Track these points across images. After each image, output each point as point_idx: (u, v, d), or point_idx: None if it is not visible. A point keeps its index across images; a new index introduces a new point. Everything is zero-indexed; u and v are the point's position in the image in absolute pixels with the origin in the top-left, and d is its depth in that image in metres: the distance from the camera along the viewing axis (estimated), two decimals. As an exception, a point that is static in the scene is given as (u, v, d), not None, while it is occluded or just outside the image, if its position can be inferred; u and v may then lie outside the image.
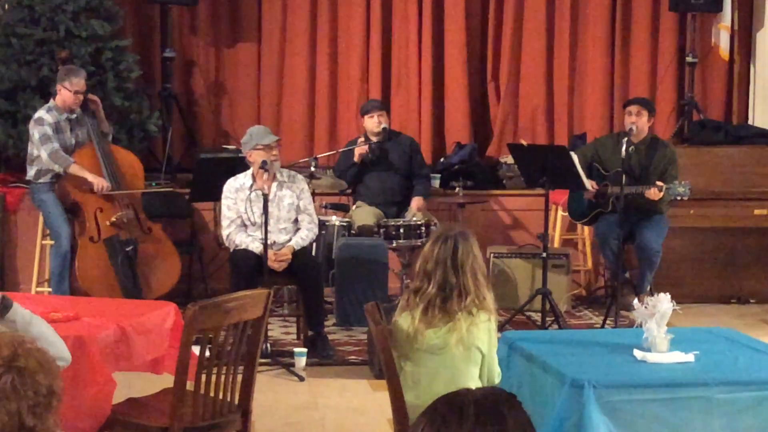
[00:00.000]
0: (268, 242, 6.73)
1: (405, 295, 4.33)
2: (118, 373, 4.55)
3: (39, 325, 3.27)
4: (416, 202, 8.37)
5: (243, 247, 6.90)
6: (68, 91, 7.52)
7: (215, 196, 7.31)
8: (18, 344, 2.09)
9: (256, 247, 6.84)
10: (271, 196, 6.81)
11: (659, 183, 7.60)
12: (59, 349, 3.22)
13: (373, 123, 8.39)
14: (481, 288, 4.22)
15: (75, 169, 7.46)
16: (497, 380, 4.32)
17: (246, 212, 6.90)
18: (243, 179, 7.00)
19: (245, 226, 6.96)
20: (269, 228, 6.73)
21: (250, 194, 6.86)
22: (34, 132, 7.48)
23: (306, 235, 7.07)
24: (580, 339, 5.03)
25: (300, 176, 7.23)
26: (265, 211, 6.71)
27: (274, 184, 6.97)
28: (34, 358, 2.09)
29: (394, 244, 7.98)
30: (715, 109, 10.20)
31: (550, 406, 4.09)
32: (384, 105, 8.74)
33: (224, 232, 7.04)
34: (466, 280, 4.17)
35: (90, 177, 7.46)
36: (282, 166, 7.21)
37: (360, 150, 8.31)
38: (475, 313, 4.17)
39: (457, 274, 4.18)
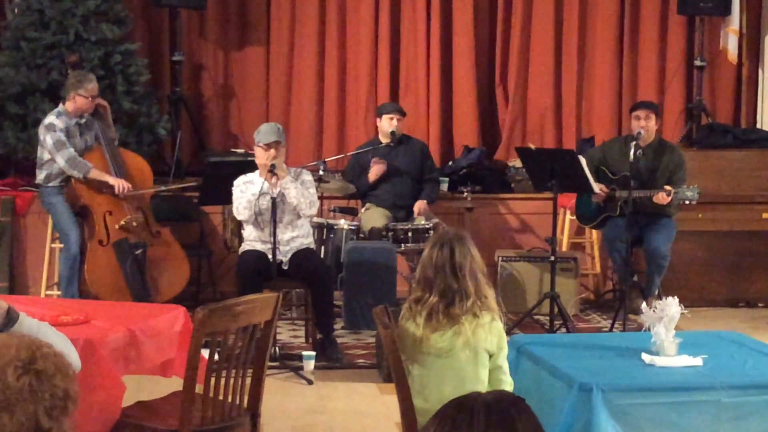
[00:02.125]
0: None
1: (407, 304, 4.33)
2: (128, 376, 4.56)
3: (47, 334, 3.27)
4: (419, 205, 8.39)
5: (253, 199, 6.85)
6: (84, 98, 7.52)
7: (224, 199, 7.31)
8: (36, 348, 2.12)
9: (253, 194, 6.83)
10: (276, 191, 6.80)
11: (667, 187, 7.59)
12: (69, 357, 3.24)
13: (391, 124, 8.41)
14: (482, 287, 4.23)
15: (95, 174, 7.48)
16: (509, 389, 4.30)
17: (258, 200, 6.85)
18: (252, 176, 7.00)
19: (255, 218, 6.92)
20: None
21: (261, 191, 6.83)
22: (47, 138, 7.50)
23: (302, 198, 6.91)
24: (589, 342, 5.04)
25: (305, 171, 7.20)
26: (273, 214, 6.73)
27: (280, 182, 6.94)
28: (52, 362, 2.11)
29: (402, 248, 7.98)
30: (724, 112, 10.19)
31: (559, 410, 4.09)
32: (403, 111, 8.72)
33: (234, 211, 7.01)
34: (466, 283, 4.18)
35: (111, 180, 7.49)
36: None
37: (377, 170, 8.33)
38: (479, 315, 4.18)
39: (457, 279, 4.18)
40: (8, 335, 2.23)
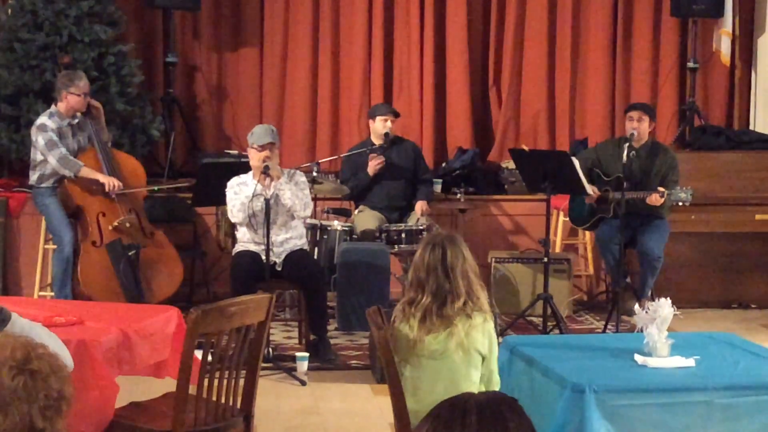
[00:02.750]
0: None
1: (400, 306, 4.34)
2: (121, 377, 4.56)
3: (40, 334, 3.28)
4: (420, 205, 8.40)
5: (246, 201, 6.84)
6: (76, 95, 7.52)
7: (218, 200, 7.31)
8: (31, 348, 2.13)
9: (247, 197, 6.82)
10: (269, 193, 6.79)
11: (661, 189, 7.61)
12: (62, 357, 3.24)
13: (385, 126, 8.41)
14: (474, 288, 4.25)
15: (85, 172, 7.49)
16: (496, 388, 4.33)
17: (251, 202, 6.84)
18: (245, 177, 7.00)
19: (249, 219, 6.90)
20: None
21: (253, 191, 6.82)
22: (39, 138, 7.50)
23: (297, 200, 6.91)
24: (582, 344, 5.04)
25: (299, 172, 7.20)
26: (267, 216, 6.73)
27: (273, 183, 6.93)
28: (47, 362, 2.12)
29: (396, 249, 7.98)
30: (717, 114, 10.21)
31: (551, 411, 4.10)
32: (396, 112, 8.72)
33: (228, 213, 7.00)
34: (458, 284, 4.20)
35: (101, 177, 7.49)
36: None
37: (375, 164, 8.33)
38: (471, 316, 4.20)
39: (449, 279, 4.20)
40: (3, 335, 2.23)
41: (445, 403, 2.03)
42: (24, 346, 2.14)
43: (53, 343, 3.25)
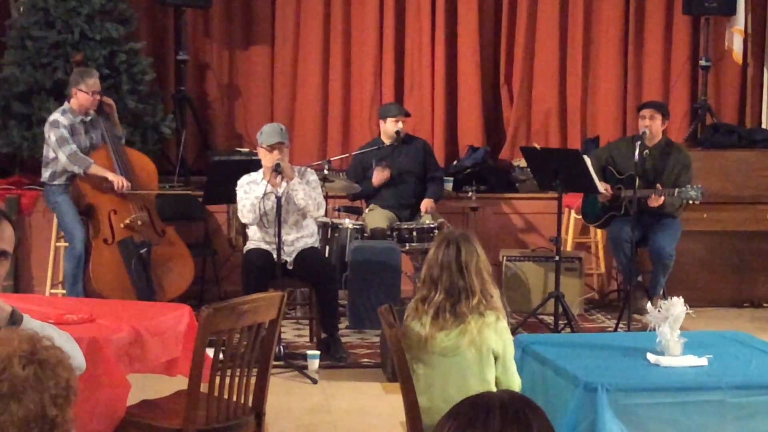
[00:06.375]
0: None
1: (413, 304, 4.34)
2: (132, 374, 4.56)
3: (52, 335, 3.28)
4: (426, 203, 8.38)
5: (257, 202, 6.84)
6: (85, 93, 7.54)
7: (229, 198, 7.31)
8: (36, 340, 2.17)
9: (257, 197, 6.81)
10: (281, 191, 6.79)
11: (658, 186, 7.60)
12: (74, 358, 3.24)
13: (397, 126, 8.40)
14: (488, 286, 4.24)
15: (95, 169, 7.49)
16: (517, 389, 4.29)
17: (262, 202, 6.83)
18: (256, 175, 6.99)
19: (260, 219, 6.90)
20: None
21: (264, 192, 6.81)
22: (50, 135, 7.51)
23: (310, 200, 6.91)
24: (593, 342, 5.03)
25: (310, 170, 7.19)
26: (278, 214, 6.72)
27: (285, 182, 6.92)
28: (53, 353, 2.15)
29: (407, 247, 7.98)
30: (729, 112, 10.19)
31: (564, 410, 4.09)
32: (407, 112, 8.70)
33: (238, 213, 7.00)
34: (472, 281, 4.19)
35: (110, 175, 7.50)
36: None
37: (380, 177, 8.32)
38: (484, 314, 4.19)
39: (463, 276, 4.20)
40: (7, 329, 2.25)
41: (465, 402, 2.02)
42: (29, 338, 2.16)
43: (67, 344, 3.25)
